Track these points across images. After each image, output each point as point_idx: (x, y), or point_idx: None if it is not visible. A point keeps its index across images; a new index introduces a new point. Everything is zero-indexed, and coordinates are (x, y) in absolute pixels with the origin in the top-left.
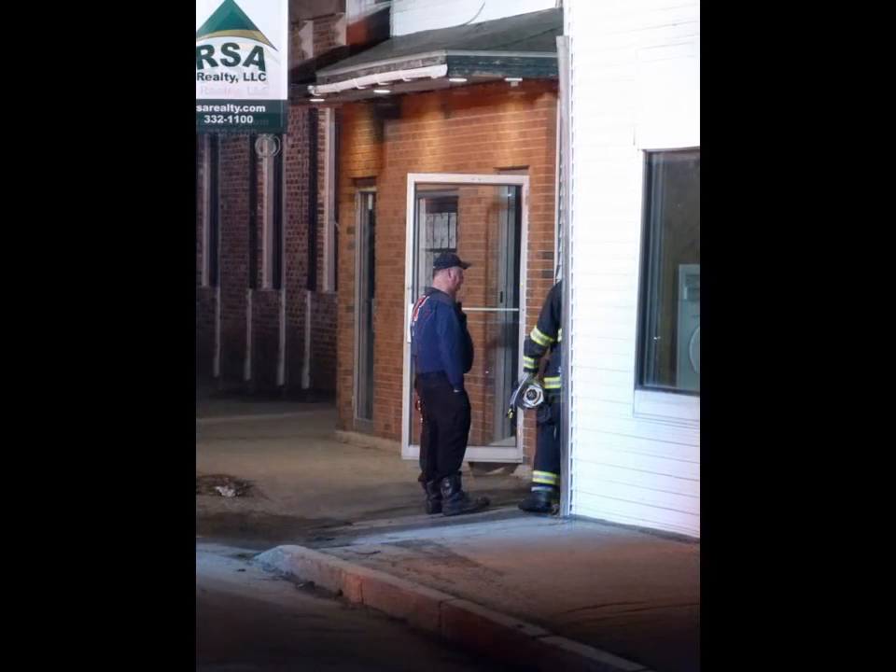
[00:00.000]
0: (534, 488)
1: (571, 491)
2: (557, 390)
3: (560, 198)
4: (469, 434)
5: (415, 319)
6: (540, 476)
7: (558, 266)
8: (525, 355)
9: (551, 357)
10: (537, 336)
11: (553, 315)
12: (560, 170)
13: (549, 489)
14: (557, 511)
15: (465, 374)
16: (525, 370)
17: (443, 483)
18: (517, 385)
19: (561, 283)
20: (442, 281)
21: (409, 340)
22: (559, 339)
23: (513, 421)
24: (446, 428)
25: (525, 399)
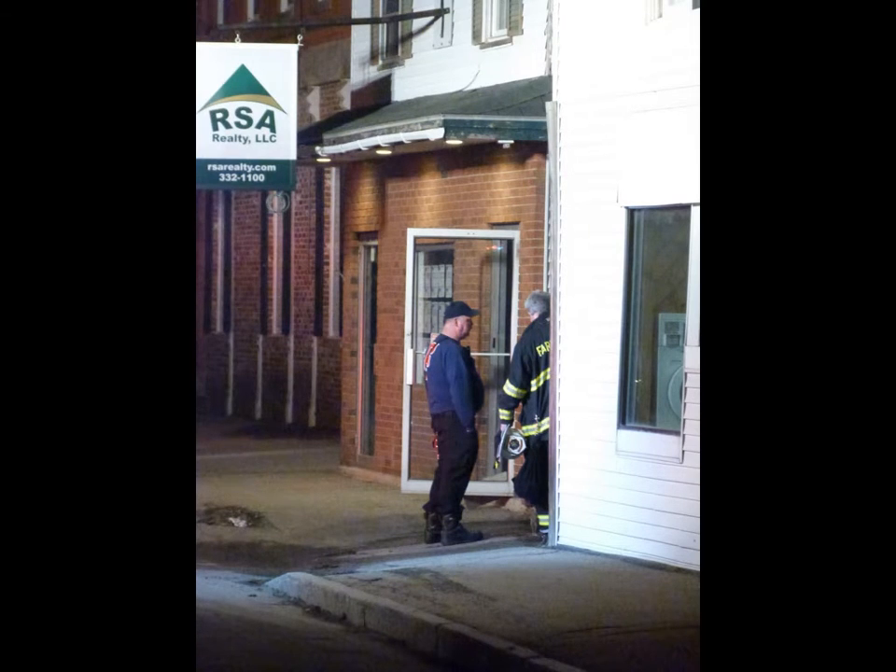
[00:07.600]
0: (542, 531)
1: (558, 523)
2: (536, 436)
3: (548, 251)
4: None
5: (428, 365)
6: (544, 519)
7: (528, 308)
8: (501, 408)
9: (525, 408)
10: (511, 390)
11: (524, 370)
12: (548, 225)
13: None
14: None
15: (476, 415)
16: (503, 421)
17: (446, 516)
18: (498, 438)
19: (526, 336)
20: (451, 329)
21: (420, 382)
22: (531, 390)
23: (504, 466)
24: (451, 465)
25: (509, 449)
